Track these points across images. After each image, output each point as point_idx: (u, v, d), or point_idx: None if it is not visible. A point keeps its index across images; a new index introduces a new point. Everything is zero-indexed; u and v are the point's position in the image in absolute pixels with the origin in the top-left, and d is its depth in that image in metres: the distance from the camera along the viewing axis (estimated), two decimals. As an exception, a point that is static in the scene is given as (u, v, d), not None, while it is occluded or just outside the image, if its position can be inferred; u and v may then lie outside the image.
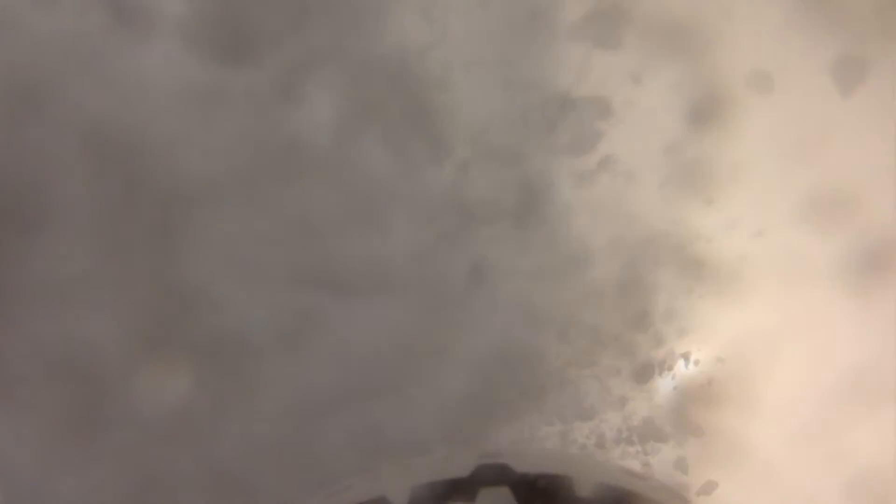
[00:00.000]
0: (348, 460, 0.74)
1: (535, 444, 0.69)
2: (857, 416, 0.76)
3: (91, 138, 0.79)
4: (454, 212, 0.81)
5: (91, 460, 0.79)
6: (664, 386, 0.78)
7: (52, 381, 0.77)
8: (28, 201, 0.79)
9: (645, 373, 0.78)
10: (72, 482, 0.79)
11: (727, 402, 0.77)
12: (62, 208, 0.79)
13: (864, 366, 0.79)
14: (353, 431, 0.76)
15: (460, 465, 0.37)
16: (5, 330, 0.78)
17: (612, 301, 0.81)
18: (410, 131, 0.81)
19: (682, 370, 0.79)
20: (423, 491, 0.36)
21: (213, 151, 0.82)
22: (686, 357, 0.80)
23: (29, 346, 0.77)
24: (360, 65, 0.82)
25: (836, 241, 0.80)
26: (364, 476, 0.45)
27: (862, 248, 0.80)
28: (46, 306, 0.79)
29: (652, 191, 0.84)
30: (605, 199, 0.85)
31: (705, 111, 0.81)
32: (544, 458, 0.43)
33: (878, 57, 0.83)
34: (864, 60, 0.83)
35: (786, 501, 0.75)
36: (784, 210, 0.85)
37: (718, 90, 0.81)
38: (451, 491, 0.36)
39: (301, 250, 0.83)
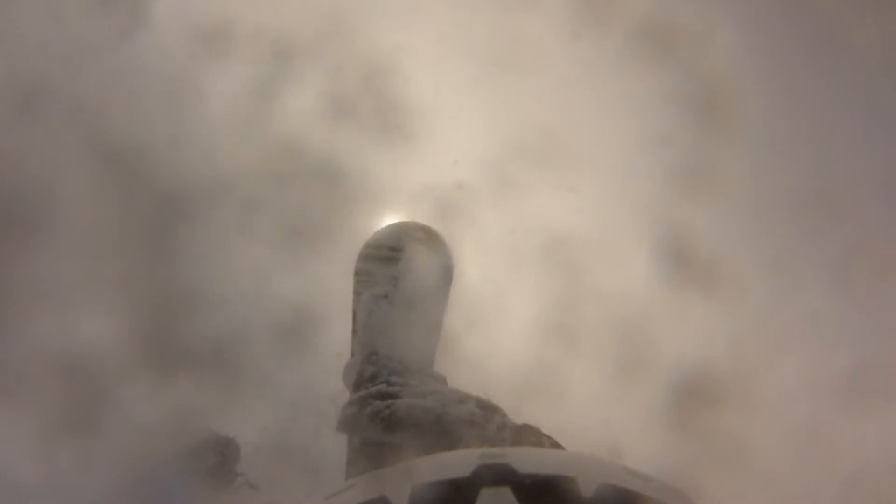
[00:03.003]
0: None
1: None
2: (856, 415, 0.76)
3: (91, 138, 0.79)
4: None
5: (91, 459, 0.79)
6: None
7: (52, 381, 0.77)
8: (28, 201, 0.79)
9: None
10: (71, 480, 0.79)
11: (727, 403, 0.77)
12: (62, 208, 0.79)
13: (863, 366, 0.79)
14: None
15: (461, 465, 0.37)
16: (5, 330, 0.78)
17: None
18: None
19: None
20: (423, 491, 0.36)
21: (207, 151, 0.82)
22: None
23: (29, 346, 0.77)
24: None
25: (835, 242, 0.80)
26: (365, 476, 0.45)
27: (860, 249, 0.80)
28: (46, 306, 0.79)
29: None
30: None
31: (702, 112, 0.81)
32: (547, 459, 0.42)
33: (871, 57, 0.83)
34: (859, 62, 0.84)
35: (786, 501, 0.75)
36: (782, 210, 0.85)
37: (714, 91, 0.81)
38: (452, 491, 0.35)
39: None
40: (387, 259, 0.74)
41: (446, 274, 0.76)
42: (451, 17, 0.87)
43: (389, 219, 0.83)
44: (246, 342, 0.80)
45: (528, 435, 0.58)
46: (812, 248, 0.82)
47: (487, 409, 0.59)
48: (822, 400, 0.79)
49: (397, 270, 0.73)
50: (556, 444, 0.57)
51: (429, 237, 0.77)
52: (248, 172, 0.83)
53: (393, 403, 0.59)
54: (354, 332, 0.74)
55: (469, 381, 0.71)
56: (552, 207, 0.84)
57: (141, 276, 0.81)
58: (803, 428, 0.78)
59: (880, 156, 0.86)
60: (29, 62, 0.82)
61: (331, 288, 0.84)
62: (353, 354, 0.73)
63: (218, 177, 0.82)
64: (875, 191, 0.84)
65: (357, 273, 0.76)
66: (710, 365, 0.79)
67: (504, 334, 0.80)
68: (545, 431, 0.64)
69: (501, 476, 0.36)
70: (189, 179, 0.81)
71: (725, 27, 0.85)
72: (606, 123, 0.87)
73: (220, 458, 0.75)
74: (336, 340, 0.80)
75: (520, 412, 0.76)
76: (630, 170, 0.86)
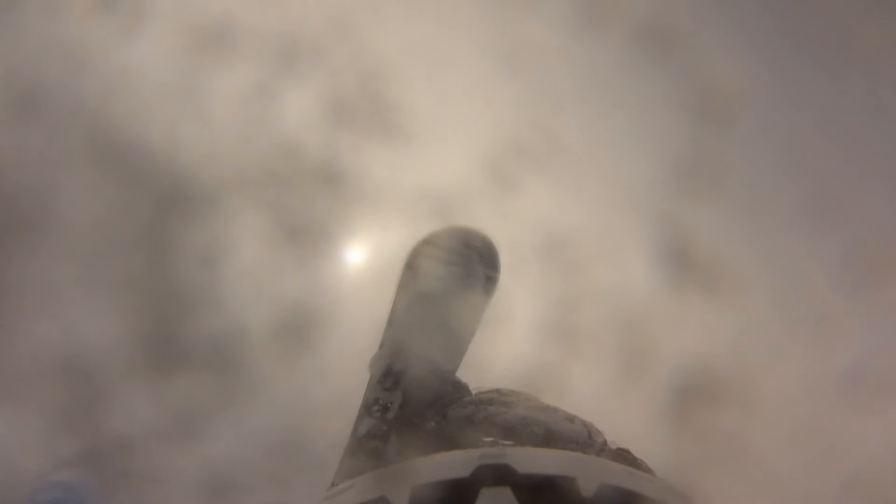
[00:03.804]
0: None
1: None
2: (856, 415, 0.76)
3: (91, 138, 0.79)
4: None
5: (90, 458, 0.79)
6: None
7: (52, 381, 0.77)
8: (28, 201, 0.79)
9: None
10: (71, 480, 0.79)
11: (727, 402, 0.77)
12: (62, 208, 0.79)
13: (863, 365, 0.79)
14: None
15: (461, 465, 0.37)
16: (5, 330, 0.78)
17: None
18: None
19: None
20: (423, 491, 0.35)
21: (207, 151, 0.82)
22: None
23: (29, 346, 0.77)
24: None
25: (835, 242, 0.80)
26: (365, 476, 0.45)
27: (860, 249, 0.80)
28: (46, 306, 0.79)
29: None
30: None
31: (701, 112, 0.81)
32: (547, 459, 0.42)
33: (871, 57, 0.83)
34: (859, 62, 0.84)
35: (786, 501, 0.75)
36: (782, 210, 0.85)
37: (714, 91, 0.81)
38: (452, 491, 0.35)
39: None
40: (439, 259, 0.75)
41: (490, 286, 0.77)
42: (452, 19, 0.87)
43: (389, 219, 0.83)
44: (246, 342, 0.80)
45: (626, 459, 0.58)
46: (812, 248, 0.82)
47: (591, 430, 0.59)
48: (822, 400, 0.79)
49: (446, 273, 0.74)
50: (649, 470, 0.58)
51: (485, 247, 0.77)
52: (248, 173, 0.83)
53: (508, 411, 0.60)
54: (389, 323, 0.74)
55: (470, 380, 0.71)
56: (552, 207, 0.84)
57: (141, 276, 0.81)
58: (803, 428, 0.78)
59: (880, 156, 0.86)
60: (29, 62, 0.82)
61: (331, 288, 0.84)
62: (381, 346, 0.73)
63: (218, 177, 0.82)
64: (875, 191, 0.84)
65: (407, 266, 0.76)
66: (710, 365, 0.79)
67: (505, 334, 0.80)
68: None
69: (501, 476, 0.36)
70: (189, 179, 0.81)
71: (725, 29, 0.85)
72: (606, 124, 0.87)
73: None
74: (335, 340, 0.80)
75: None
76: (630, 170, 0.86)
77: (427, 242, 0.76)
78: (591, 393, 0.76)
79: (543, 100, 0.86)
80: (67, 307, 0.79)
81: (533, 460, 0.39)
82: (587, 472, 0.37)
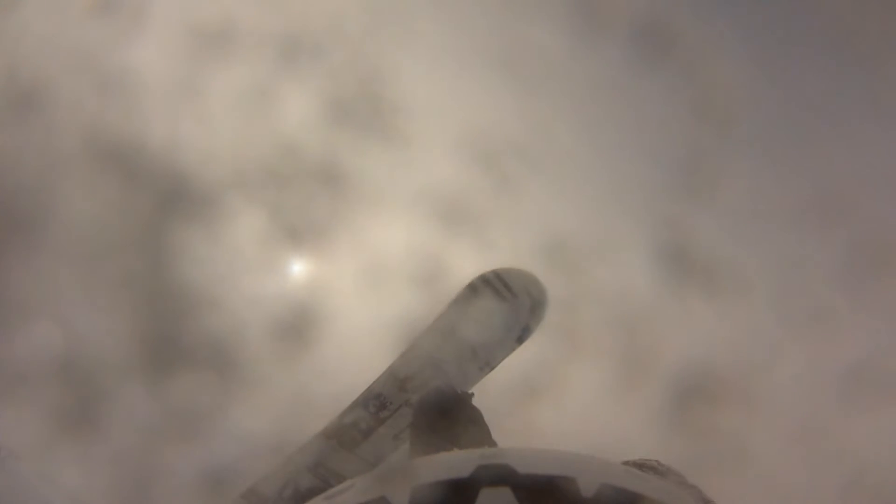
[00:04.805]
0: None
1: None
2: (856, 415, 0.76)
3: (91, 138, 0.79)
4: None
5: (90, 459, 0.79)
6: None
7: (52, 381, 0.77)
8: (28, 201, 0.79)
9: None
10: (71, 480, 0.79)
11: (728, 402, 0.77)
12: (62, 208, 0.79)
13: (864, 365, 0.79)
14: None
15: (461, 466, 0.36)
16: (5, 330, 0.78)
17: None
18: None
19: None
20: (423, 491, 0.35)
21: (207, 151, 0.82)
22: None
23: (29, 346, 0.77)
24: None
25: (836, 242, 0.80)
26: (365, 476, 0.44)
27: (861, 249, 0.80)
28: (46, 306, 0.79)
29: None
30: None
31: (702, 113, 0.81)
32: (547, 459, 0.42)
33: (871, 58, 0.83)
34: (862, 60, 0.84)
35: (786, 501, 0.75)
36: (782, 210, 0.85)
37: (714, 92, 0.81)
38: (452, 491, 0.35)
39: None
40: (496, 291, 0.78)
41: (525, 335, 0.79)
42: (453, 20, 0.87)
43: (389, 218, 0.84)
44: (245, 342, 0.80)
45: None
46: (812, 248, 0.82)
47: None
48: (822, 400, 0.79)
49: (497, 307, 0.77)
50: None
51: (539, 297, 0.79)
52: (248, 172, 0.83)
53: (661, 480, 0.62)
54: (430, 329, 0.77)
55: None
56: (552, 207, 0.84)
57: (141, 276, 0.81)
58: (803, 428, 0.78)
59: (880, 156, 0.86)
60: (29, 62, 0.82)
61: (330, 288, 0.84)
62: (410, 348, 0.75)
63: (217, 176, 0.82)
64: (875, 191, 0.84)
65: (469, 285, 0.79)
66: (710, 365, 0.79)
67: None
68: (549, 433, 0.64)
69: (501, 476, 0.36)
70: (189, 179, 0.81)
71: (725, 29, 0.85)
72: (606, 124, 0.87)
73: None
74: (335, 340, 0.80)
75: (520, 412, 0.76)
76: (630, 170, 0.86)
77: (496, 272, 0.78)
78: (592, 393, 0.76)
79: (543, 100, 0.86)
80: (67, 307, 0.79)
81: (533, 460, 0.39)
82: (587, 473, 0.37)
